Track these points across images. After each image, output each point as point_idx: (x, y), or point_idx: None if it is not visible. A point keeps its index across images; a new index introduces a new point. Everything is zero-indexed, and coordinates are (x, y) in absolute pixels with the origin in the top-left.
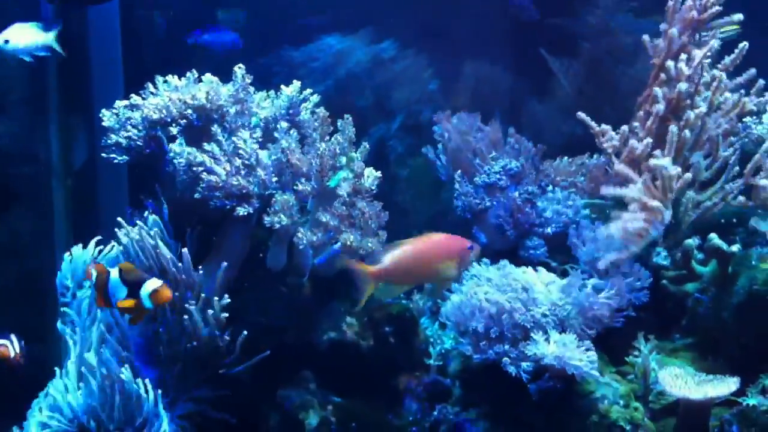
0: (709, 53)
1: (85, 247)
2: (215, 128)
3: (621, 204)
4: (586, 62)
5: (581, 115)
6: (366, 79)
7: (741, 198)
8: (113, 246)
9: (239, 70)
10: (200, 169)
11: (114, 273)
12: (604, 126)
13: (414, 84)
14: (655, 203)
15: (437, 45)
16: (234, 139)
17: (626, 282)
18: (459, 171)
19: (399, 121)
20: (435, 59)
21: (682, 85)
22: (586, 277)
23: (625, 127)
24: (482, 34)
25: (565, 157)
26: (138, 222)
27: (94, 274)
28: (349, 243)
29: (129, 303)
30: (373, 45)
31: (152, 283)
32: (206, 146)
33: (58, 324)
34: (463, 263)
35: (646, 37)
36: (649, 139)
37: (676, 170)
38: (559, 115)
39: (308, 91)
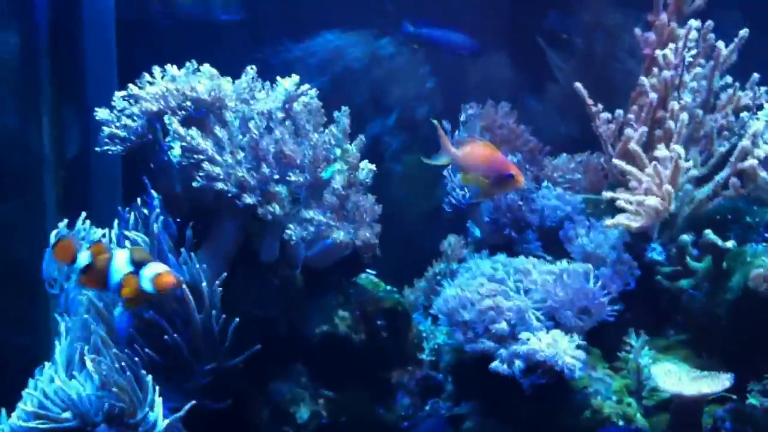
0: (691, 35)
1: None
2: (228, 114)
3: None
4: (580, 59)
5: (578, 87)
6: (363, 75)
7: (734, 180)
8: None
9: (251, 70)
10: (201, 157)
11: (122, 253)
12: (600, 107)
13: (411, 81)
14: (669, 187)
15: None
16: (250, 125)
17: (618, 273)
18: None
19: (394, 118)
20: (433, 57)
21: (666, 73)
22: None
23: (619, 112)
24: (481, 32)
25: (564, 154)
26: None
27: (86, 254)
28: (339, 240)
29: (132, 280)
30: (373, 41)
31: (155, 267)
32: (217, 131)
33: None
34: (500, 187)
35: (638, 30)
36: (644, 128)
37: (688, 163)
38: (557, 115)
39: (306, 86)
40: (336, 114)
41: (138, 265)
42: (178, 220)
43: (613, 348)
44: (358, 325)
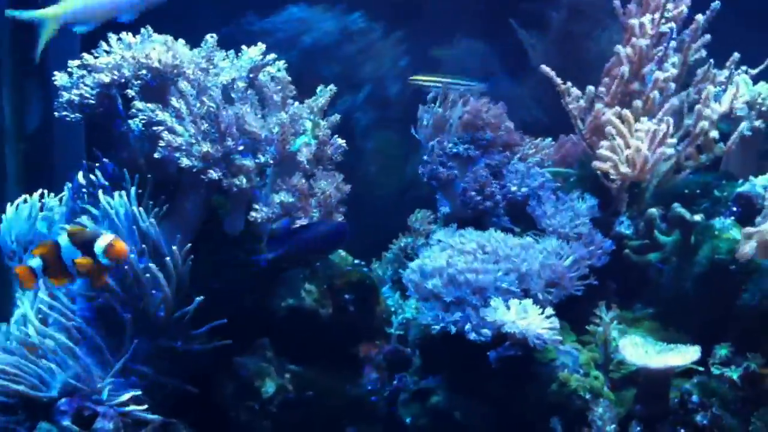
0: (670, 6)
1: None
2: (184, 85)
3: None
4: (555, 37)
5: (544, 68)
6: (333, 50)
7: (691, 150)
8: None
9: (211, 38)
10: (161, 128)
11: (63, 240)
12: (569, 84)
13: (383, 58)
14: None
15: (410, 21)
16: (211, 95)
17: (588, 249)
18: (436, 139)
19: (365, 94)
20: (406, 35)
21: (642, 41)
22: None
23: (591, 88)
24: (456, 12)
25: (548, 138)
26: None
27: (36, 260)
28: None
29: (87, 261)
30: (343, 16)
31: (105, 239)
32: (174, 102)
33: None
34: None
35: (617, 3)
36: (617, 109)
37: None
38: (531, 96)
39: (272, 55)
40: (320, 88)
41: (83, 244)
42: (140, 191)
43: (580, 321)
44: (325, 298)
